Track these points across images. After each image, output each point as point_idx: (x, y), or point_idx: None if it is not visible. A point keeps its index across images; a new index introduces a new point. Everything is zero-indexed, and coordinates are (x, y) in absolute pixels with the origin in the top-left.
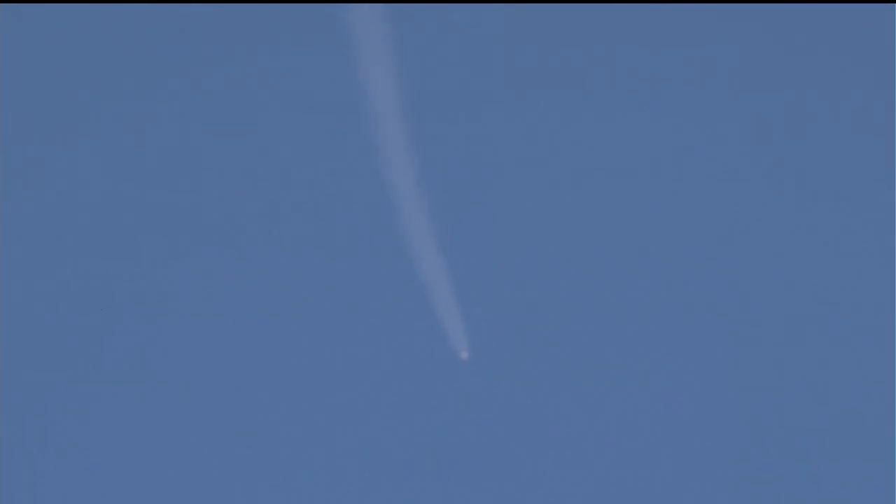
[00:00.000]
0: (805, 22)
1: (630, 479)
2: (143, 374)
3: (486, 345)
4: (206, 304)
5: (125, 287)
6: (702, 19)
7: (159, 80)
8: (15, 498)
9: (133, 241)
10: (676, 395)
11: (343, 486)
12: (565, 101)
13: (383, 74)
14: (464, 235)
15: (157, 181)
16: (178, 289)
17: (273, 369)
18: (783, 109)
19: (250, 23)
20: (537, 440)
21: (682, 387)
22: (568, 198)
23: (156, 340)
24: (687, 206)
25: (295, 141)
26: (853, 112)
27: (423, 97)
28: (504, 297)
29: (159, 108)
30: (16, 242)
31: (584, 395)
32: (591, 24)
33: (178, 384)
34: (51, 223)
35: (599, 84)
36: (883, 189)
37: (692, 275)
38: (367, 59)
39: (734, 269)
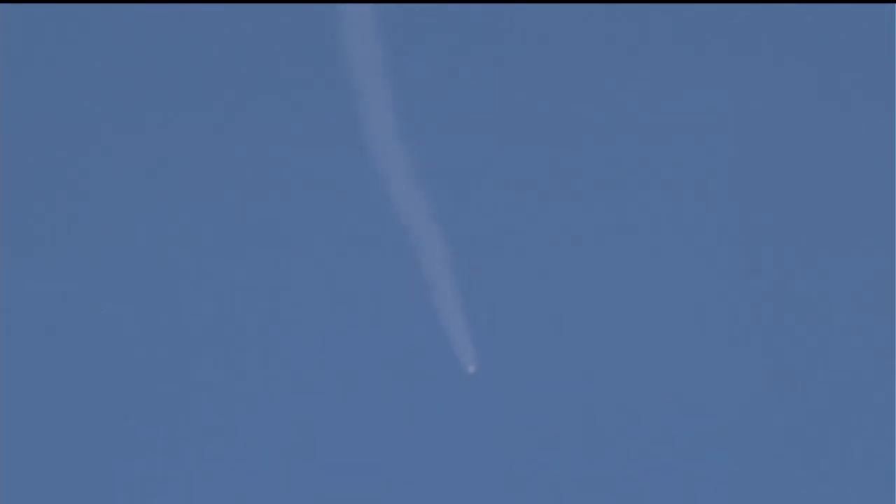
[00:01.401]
0: (805, 22)
1: (638, 488)
2: (144, 376)
3: (494, 359)
4: (206, 308)
5: (125, 288)
6: (701, 19)
7: (158, 81)
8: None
9: (132, 241)
10: (688, 405)
11: (348, 500)
12: (568, 103)
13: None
14: (473, 248)
15: (155, 182)
16: (180, 294)
17: (281, 383)
18: (782, 109)
19: (248, 23)
20: (546, 455)
21: (695, 398)
22: (580, 211)
23: (158, 342)
24: (689, 205)
25: (306, 152)
26: (853, 112)
27: (426, 99)
28: (513, 311)
29: (158, 108)
30: (16, 242)
31: (594, 409)
32: (590, 24)
33: (186, 397)
34: (50, 223)
35: (603, 83)
36: (883, 189)
37: (699, 277)
38: (364, 60)
39: (738, 271)
